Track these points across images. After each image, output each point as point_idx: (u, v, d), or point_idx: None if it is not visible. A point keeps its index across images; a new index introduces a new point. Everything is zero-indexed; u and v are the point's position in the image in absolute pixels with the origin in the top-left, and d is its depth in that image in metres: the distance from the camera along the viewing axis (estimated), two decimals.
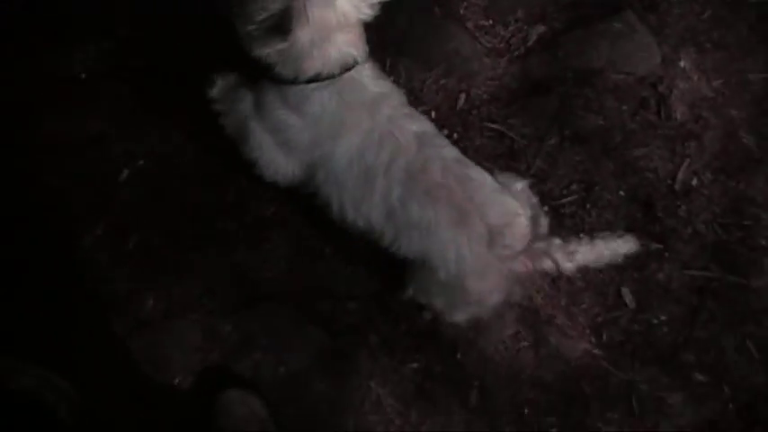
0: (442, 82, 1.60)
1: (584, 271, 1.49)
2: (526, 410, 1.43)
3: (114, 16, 1.51)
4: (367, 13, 1.15)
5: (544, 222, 1.43)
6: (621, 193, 1.55)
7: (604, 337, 1.48)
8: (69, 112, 1.47)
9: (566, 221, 1.52)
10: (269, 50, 1.14)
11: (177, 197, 1.46)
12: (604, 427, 1.45)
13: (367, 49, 1.20)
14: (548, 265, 1.25)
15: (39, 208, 1.42)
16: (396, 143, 1.17)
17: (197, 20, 1.50)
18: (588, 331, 1.49)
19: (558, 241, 1.26)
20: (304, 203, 1.39)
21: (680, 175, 1.57)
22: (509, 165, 1.55)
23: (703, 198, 1.57)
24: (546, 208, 1.51)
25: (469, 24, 1.60)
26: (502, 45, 1.62)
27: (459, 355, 1.45)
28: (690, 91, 1.62)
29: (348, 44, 1.15)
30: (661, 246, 1.53)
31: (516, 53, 1.62)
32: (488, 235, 1.18)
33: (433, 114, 1.57)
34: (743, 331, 1.50)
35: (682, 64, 1.62)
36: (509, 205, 1.21)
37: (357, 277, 1.46)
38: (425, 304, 1.37)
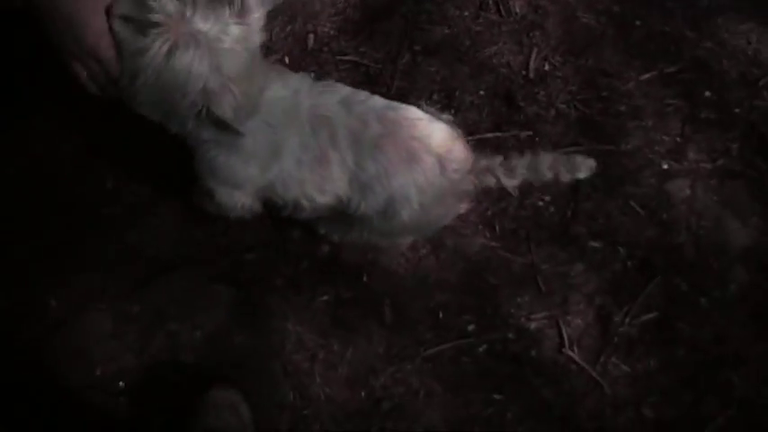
0: (289, 28, 1.80)
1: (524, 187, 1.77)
2: (441, 314, 1.64)
3: None
4: (255, 41, 1.22)
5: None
6: (481, 92, 1.79)
7: (497, 228, 1.71)
8: None
9: None
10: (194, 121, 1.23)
11: (56, 197, 1.61)
12: (517, 311, 1.74)
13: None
14: (491, 181, 1.44)
15: None
16: (327, 120, 1.34)
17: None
18: (481, 227, 1.71)
19: (499, 158, 1.44)
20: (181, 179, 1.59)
21: (532, 64, 1.82)
22: (372, 91, 1.80)
23: (558, 80, 1.82)
24: None
25: None
26: None
27: (364, 278, 1.64)
28: None
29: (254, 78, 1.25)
30: (530, 132, 1.77)
31: None
32: (438, 163, 1.36)
33: (286, 60, 1.77)
34: (623, 193, 1.75)
35: None
36: (446, 131, 1.40)
37: (248, 231, 1.62)
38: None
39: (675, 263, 1.72)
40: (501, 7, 1.87)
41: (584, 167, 1.45)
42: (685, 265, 1.72)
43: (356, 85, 1.74)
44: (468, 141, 1.66)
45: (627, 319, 1.66)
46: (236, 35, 1.16)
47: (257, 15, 1.19)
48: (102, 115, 1.54)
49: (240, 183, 1.39)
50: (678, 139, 1.82)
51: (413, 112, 1.41)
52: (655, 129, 1.82)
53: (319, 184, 1.38)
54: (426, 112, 1.42)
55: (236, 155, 1.34)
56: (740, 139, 1.83)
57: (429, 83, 1.80)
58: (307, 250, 1.67)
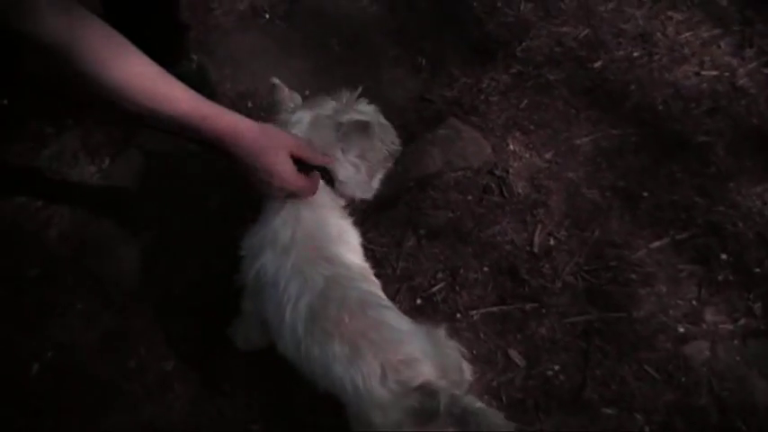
0: None
1: (469, 344, 2.34)
2: None
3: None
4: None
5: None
6: (485, 269, 2.39)
7: (504, 398, 2.20)
8: None
9: (440, 307, 2.34)
10: None
11: (84, 379, 2.31)
12: None
13: None
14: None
15: None
16: (302, 281, 1.88)
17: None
18: (487, 397, 2.21)
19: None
20: (201, 356, 2.33)
21: (536, 240, 2.42)
22: (377, 273, 2.44)
23: (564, 253, 2.39)
24: (419, 301, 2.35)
25: None
26: None
27: None
28: (525, 167, 2.53)
29: None
30: (536, 304, 2.31)
31: None
32: (381, 371, 1.76)
33: None
34: (637, 358, 2.23)
35: (511, 147, 2.56)
36: (408, 347, 1.81)
37: (255, 404, 2.24)
38: None
39: (699, 426, 2.15)
40: (504, 189, 2.51)
41: None
42: (710, 429, 2.15)
43: None
44: (472, 316, 2.54)
45: None
46: None
47: None
48: (124, 300, 2.46)
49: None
50: (694, 302, 2.32)
51: (382, 314, 1.86)
52: (669, 294, 2.33)
53: (277, 333, 1.91)
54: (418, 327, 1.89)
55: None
56: (763, 297, 2.33)
57: (433, 263, 2.41)
58: (311, 421, 2.22)
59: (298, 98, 2.09)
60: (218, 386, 2.31)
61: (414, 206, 2.58)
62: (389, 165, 2.14)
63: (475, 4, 3.01)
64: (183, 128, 1.77)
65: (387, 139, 2.09)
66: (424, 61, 2.83)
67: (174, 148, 2.56)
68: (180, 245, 2.54)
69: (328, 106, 2.06)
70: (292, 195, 1.94)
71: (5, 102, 2.66)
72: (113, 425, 2.30)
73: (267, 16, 2.93)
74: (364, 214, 2.54)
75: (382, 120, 2.10)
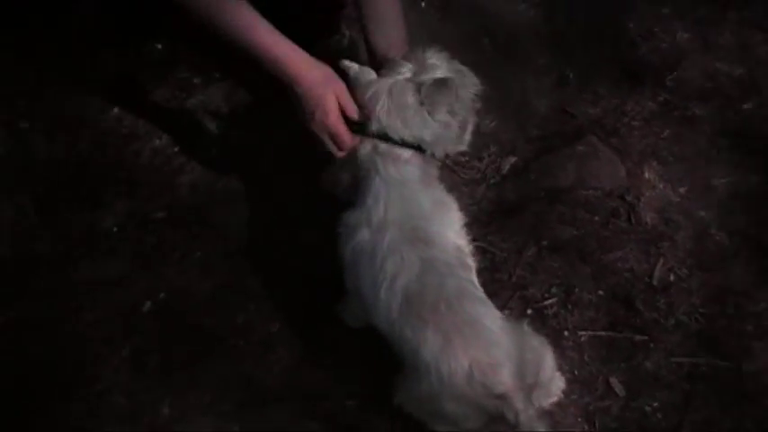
0: None
1: (572, 364, 2.36)
2: None
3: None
4: None
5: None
6: (601, 292, 2.37)
7: (597, 424, 2.19)
8: (100, 259, 2.52)
9: (550, 322, 2.33)
10: None
11: (193, 323, 2.38)
12: None
13: None
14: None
15: (71, 337, 2.40)
16: (398, 261, 1.91)
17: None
18: (580, 419, 2.20)
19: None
20: (308, 324, 2.37)
21: (656, 273, 2.38)
22: (493, 277, 2.36)
23: (682, 291, 2.35)
24: (529, 311, 2.35)
25: (448, 161, 2.55)
26: (478, 176, 2.58)
27: None
28: (657, 198, 2.50)
29: None
30: (645, 337, 2.29)
31: (492, 181, 2.58)
32: (468, 369, 1.79)
33: None
34: (740, 411, 2.19)
35: (646, 176, 2.53)
36: (497, 350, 1.83)
37: (355, 382, 2.27)
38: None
39: None
40: (632, 216, 2.49)
41: None
42: None
43: (481, 270, 2.39)
44: (579, 337, 2.51)
45: None
46: None
47: None
48: (242, 257, 2.55)
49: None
50: None
51: (478, 309, 1.88)
52: None
53: (371, 309, 1.93)
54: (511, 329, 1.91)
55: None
56: None
57: (550, 276, 2.40)
58: (403, 413, 2.16)
59: (371, 72, 2.09)
60: (321, 357, 2.35)
61: (540, 217, 2.56)
62: (478, 107, 2.14)
63: (631, 25, 2.99)
64: (258, 63, 2.00)
65: (468, 85, 2.07)
66: (571, 74, 2.80)
67: None
68: (305, 211, 2.61)
69: (403, 69, 2.04)
70: (334, 138, 2.04)
71: (159, 46, 2.70)
72: (211, 372, 2.38)
73: (423, 5, 2.94)
74: (490, 216, 2.54)
75: (458, 66, 2.07)
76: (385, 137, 1.99)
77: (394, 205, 1.97)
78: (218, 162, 2.72)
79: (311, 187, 2.46)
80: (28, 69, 2.94)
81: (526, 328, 2.03)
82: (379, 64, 2.10)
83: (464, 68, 2.06)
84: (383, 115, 1.97)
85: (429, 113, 1.99)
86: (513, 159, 2.64)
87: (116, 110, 2.85)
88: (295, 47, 2.00)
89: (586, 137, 2.68)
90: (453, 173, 2.59)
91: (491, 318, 1.87)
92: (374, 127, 1.98)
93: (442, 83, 1.96)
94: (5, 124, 2.78)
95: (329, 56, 2.22)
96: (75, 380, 2.41)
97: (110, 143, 2.79)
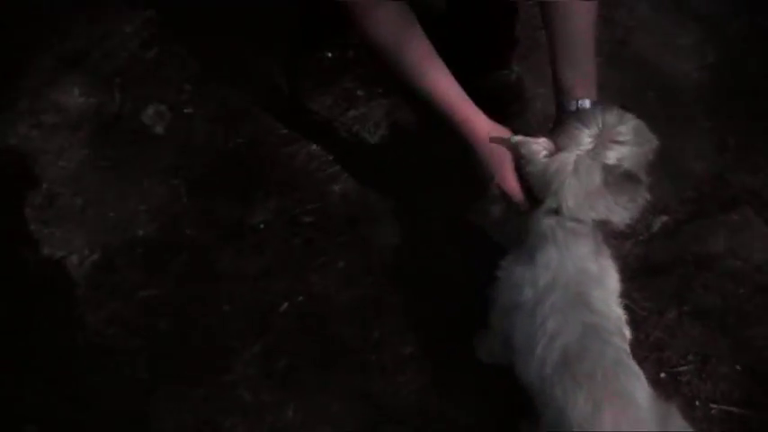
0: None
1: None
2: None
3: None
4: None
5: None
6: (738, 367, 2.33)
7: None
8: (244, 253, 2.58)
9: (682, 389, 2.31)
10: None
11: (327, 331, 2.41)
12: None
13: None
14: None
15: (205, 325, 2.46)
16: (561, 322, 1.90)
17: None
18: None
19: None
20: (442, 353, 2.39)
21: None
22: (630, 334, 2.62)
23: None
24: (662, 375, 2.33)
25: None
26: (628, 231, 2.54)
27: None
28: None
29: None
30: None
31: (641, 238, 2.57)
32: None
33: None
34: None
35: None
36: (642, 428, 1.80)
37: (481, 416, 2.28)
38: None
39: None
40: None
41: None
42: None
43: None
44: (710, 409, 2.48)
45: None
46: None
47: None
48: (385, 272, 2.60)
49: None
50: None
51: (634, 385, 1.85)
52: None
53: (522, 359, 1.94)
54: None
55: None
56: None
57: (688, 343, 2.38)
58: None
59: (546, 144, 1.99)
60: (449, 389, 2.38)
61: (685, 281, 2.54)
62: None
63: None
64: (445, 117, 2.02)
65: (647, 148, 2.00)
66: (732, 142, 2.74)
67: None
68: (453, 236, 2.66)
69: (587, 140, 1.95)
70: (509, 200, 2.04)
71: (329, 54, 2.75)
72: (338, 383, 2.43)
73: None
74: (634, 272, 2.51)
75: (637, 125, 1.99)
76: (565, 215, 1.95)
77: (563, 274, 1.95)
78: (372, 176, 2.76)
79: (461, 213, 2.53)
80: (198, 57, 3.07)
81: (674, 409, 1.95)
82: (561, 98, 2.11)
83: (642, 126, 2.00)
84: (569, 195, 1.94)
85: (614, 199, 1.95)
86: (664, 218, 2.61)
87: (277, 110, 2.91)
88: (477, 109, 2.03)
89: (741, 206, 2.63)
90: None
91: (643, 394, 1.85)
92: (556, 204, 1.95)
93: (631, 177, 1.94)
94: (171, 107, 2.82)
95: (496, 90, 2.22)
96: (203, 367, 2.47)
97: (267, 141, 2.84)
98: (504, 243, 2.12)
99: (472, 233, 2.38)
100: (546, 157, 1.94)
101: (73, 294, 2.61)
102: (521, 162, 1.98)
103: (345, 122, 2.86)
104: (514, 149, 1.98)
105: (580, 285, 1.97)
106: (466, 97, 2.01)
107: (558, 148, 1.93)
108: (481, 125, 2.02)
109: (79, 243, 2.71)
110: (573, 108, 2.06)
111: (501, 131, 2.02)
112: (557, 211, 1.94)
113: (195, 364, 2.47)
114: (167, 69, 3.02)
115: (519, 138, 1.99)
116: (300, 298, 2.49)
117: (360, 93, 2.90)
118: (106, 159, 2.89)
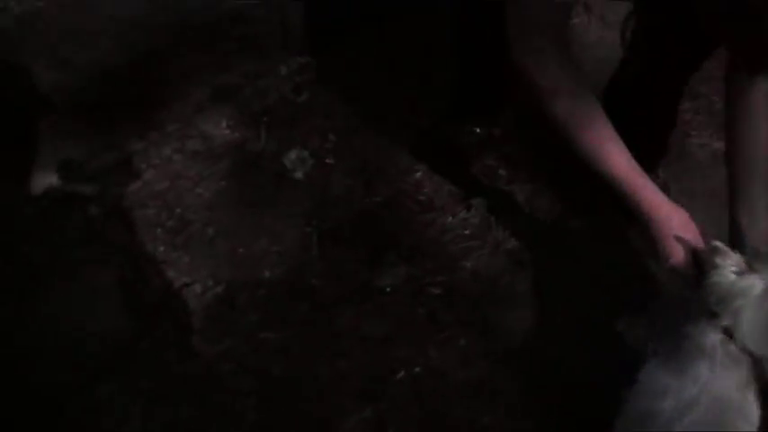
0: None
1: None
2: None
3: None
4: None
5: None
6: None
7: None
8: (367, 313, 2.60)
9: None
10: None
11: (441, 409, 2.39)
12: None
13: None
14: None
15: (319, 379, 2.47)
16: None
17: None
18: None
19: None
20: None
21: None
22: None
23: None
24: None
25: None
26: None
27: None
28: None
29: None
30: None
31: None
32: None
33: None
34: None
35: None
36: None
37: None
38: None
39: None
40: None
41: None
42: None
43: None
44: None
45: None
46: None
47: None
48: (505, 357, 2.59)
49: None
50: None
51: None
52: None
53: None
54: None
55: None
56: None
57: None
58: None
59: (740, 260, 1.94)
60: None
61: None
62: None
63: None
64: (622, 197, 2.06)
65: None
66: None
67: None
68: (583, 332, 2.60)
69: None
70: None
71: (477, 130, 2.76)
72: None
73: None
74: None
75: None
76: (735, 338, 1.89)
77: (709, 394, 1.89)
78: (503, 259, 2.76)
79: (592, 310, 2.52)
80: (347, 108, 3.12)
81: None
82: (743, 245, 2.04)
83: None
84: (746, 329, 1.88)
85: None
86: None
87: (419, 174, 2.91)
88: (656, 188, 2.07)
89: None
90: None
91: None
92: (730, 324, 1.90)
93: None
94: (313, 154, 2.85)
95: None
96: (311, 421, 2.48)
97: (404, 205, 2.85)
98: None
99: (604, 335, 2.31)
100: (735, 273, 1.89)
101: (189, 323, 2.62)
102: (705, 268, 1.93)
103: (484, 200, 2.87)
104: (708, 254, 1.94)
105: (724, 413, 1.90)
106: (644, 176, 2.08)
107: (748, 269, 1.89)
108: (659, 206, 2.07)
109: (204, 273, 2.72)
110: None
111: (679, 212, 2.09)
112: (726, 330, 1.87)
113: (304, 416, 2.46)
114: (315, 116, 3.02)
115: (720, 244, 1.96)
116: (417, 369, 2.46)
117: (501, 172, 2.86)
118: (243, 194, 2.90)
